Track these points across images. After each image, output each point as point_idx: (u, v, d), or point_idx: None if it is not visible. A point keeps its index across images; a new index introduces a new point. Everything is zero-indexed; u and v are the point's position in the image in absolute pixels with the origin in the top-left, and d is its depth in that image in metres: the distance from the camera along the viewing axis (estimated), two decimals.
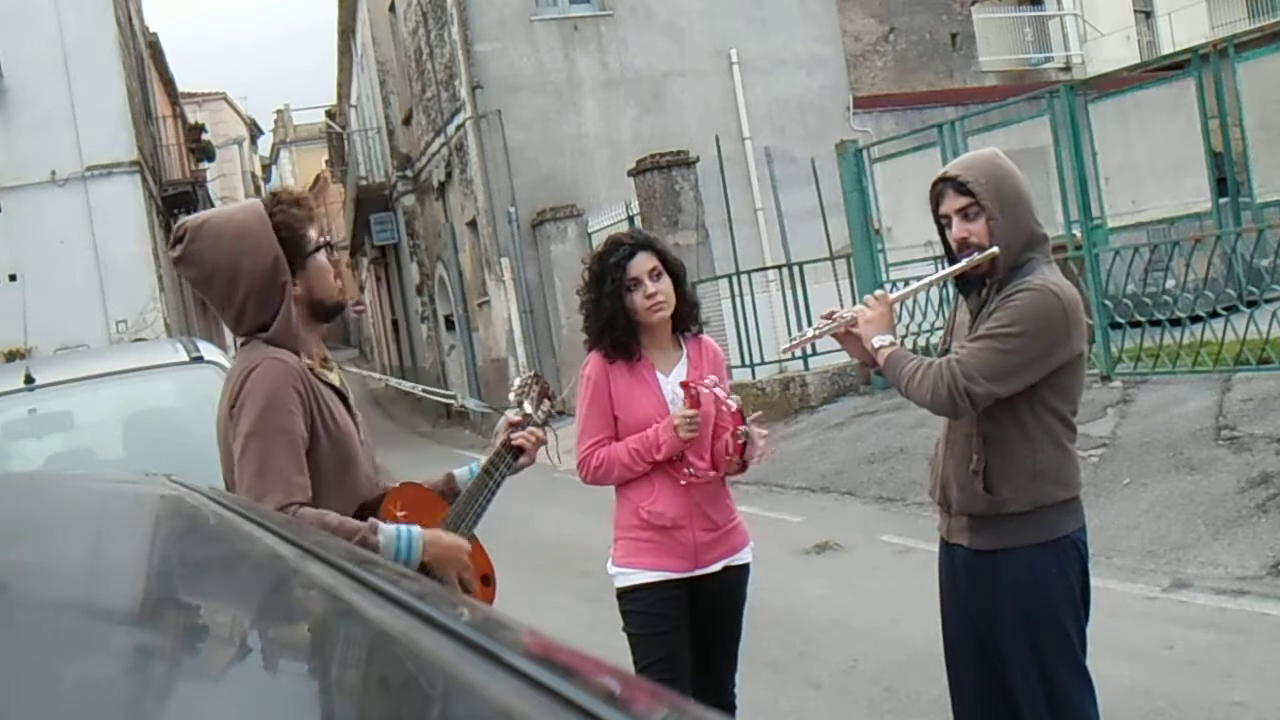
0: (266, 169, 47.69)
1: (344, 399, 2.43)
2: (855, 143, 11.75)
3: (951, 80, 18.56)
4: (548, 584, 6.49)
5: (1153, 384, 7.86)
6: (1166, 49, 18.52)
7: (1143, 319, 8.12)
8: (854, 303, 4.51)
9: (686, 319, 3.19)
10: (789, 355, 9.59)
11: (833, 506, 7.69)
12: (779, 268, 12.10)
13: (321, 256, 2.40)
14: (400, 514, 2.34)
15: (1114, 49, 20.40)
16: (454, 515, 2.49)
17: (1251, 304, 7.45)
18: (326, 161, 36.82)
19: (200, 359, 4.14)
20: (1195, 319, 7.75)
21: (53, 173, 14.40)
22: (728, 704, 3.15)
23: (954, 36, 18.99)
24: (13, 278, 13.60)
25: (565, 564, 6.92)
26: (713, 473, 3.03)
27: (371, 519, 2.26)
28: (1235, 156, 7.74)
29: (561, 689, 0.66)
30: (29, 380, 3.97)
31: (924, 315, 9.73)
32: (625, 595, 3.08)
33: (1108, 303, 8.27)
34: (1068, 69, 20.07)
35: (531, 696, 0.66)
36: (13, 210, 14.01)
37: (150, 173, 16.71)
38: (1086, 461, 6.32)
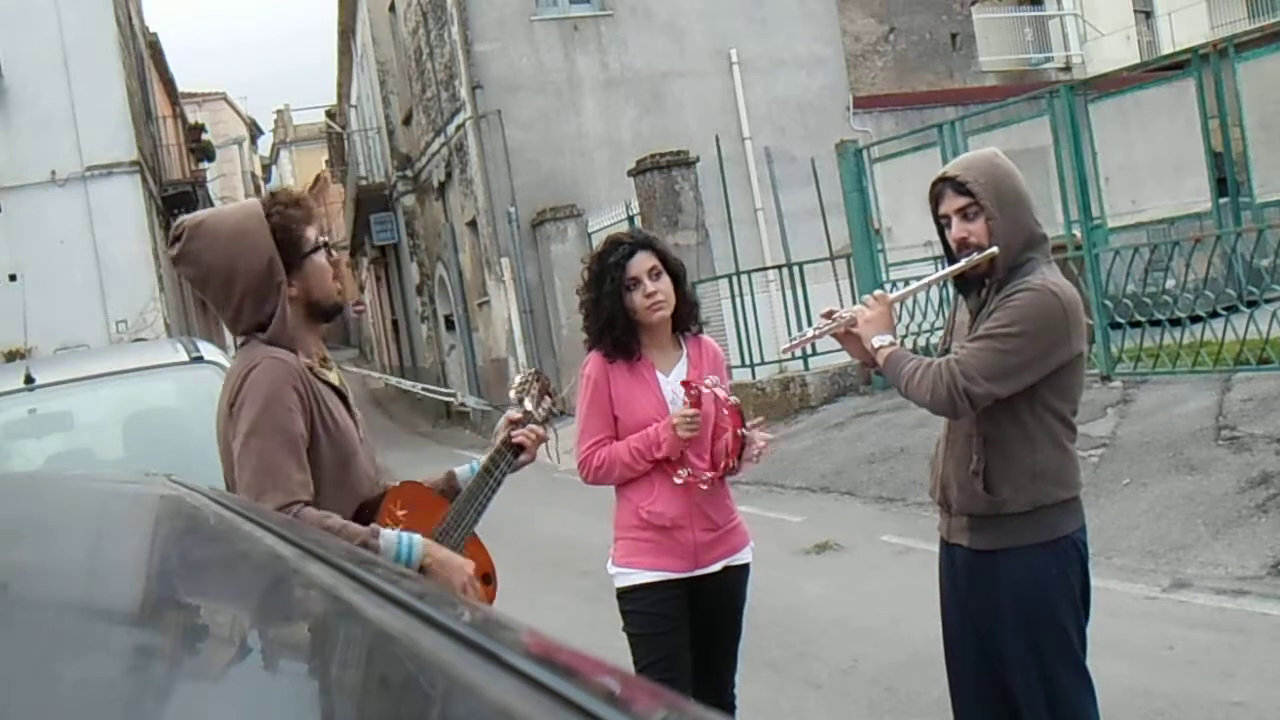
0: (266, 169, 47.68)
1: (343, 398, 2.43)
2: (855, 143, 11.75)
3: (951, 80, 18.56)
4: (548, 584, 6.48)
5: (1153, 384, 7.86)
6: (1166, 49, 18.52)
7: (1143, 319, 8.11)
8: (854, 303, 4.50)
9: (686, 319, 3.18)
10: (789, 355, 9.59)
11: (833, 506, 7.69)
12: (779, 268, 12.10)
13: (320, 257, 2.39)
14: (401, 513, 2.34)
15: (1114, 49, 20.40)
16: (454, 513, 2.49)
17: (1251, 304, 7.44)
18: (326, 161, 36.83)
19: (200, 359, 4.14)
20: (1195, 319, 7.75)
21: (53, 173, 14.40)
22: (728, 704, 3.15)
23: (954, 36, 18.99)
24: (13, 278, 13.60)
25: (565, 564, 6.92)
26: (711, 473, 3.03)
27: (373, 524, 2.26)
28: (1235, 156, 7.74)
29: (561, 689, 0.66)
30: (29, 380, 3.97)
31: (924, 315, 9.73)
32: (625, 595, 3.08)
33: (1108, 303, 8.27)
34: (1068, 69, 20.07)
35: (531, 696, 0.66)
36: (13, 210, 14.02)
37: (150, 173, 16.71)
38: (1086, 461, 6.32)
